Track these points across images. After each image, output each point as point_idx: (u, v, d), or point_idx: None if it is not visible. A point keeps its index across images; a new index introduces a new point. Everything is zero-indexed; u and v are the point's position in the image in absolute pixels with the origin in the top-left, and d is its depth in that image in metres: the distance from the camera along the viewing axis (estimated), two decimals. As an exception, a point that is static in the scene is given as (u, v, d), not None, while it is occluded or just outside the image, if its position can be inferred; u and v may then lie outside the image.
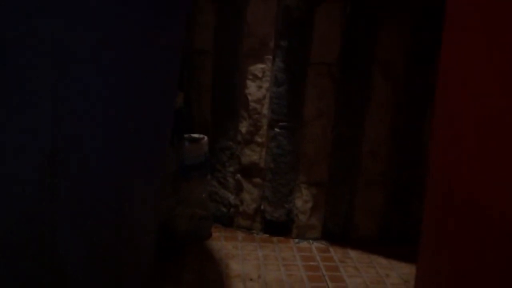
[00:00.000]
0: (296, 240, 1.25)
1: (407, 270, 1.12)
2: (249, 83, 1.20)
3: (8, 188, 0.48)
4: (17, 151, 0.48)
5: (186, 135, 1.19)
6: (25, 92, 0.48)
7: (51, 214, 0.50)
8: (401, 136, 1.21)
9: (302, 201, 1.24)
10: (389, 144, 1.21)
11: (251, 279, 1.04)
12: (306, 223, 1.25)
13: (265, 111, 1.20)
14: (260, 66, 1.18)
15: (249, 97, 1.20)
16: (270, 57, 1.17)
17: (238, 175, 1.26)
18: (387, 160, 1.22)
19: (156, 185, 0.72)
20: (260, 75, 1.19)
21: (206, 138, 1.20)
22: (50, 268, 0.51)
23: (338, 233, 1.26)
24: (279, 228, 1.26)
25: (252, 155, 1.24)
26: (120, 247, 0.59)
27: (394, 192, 1.25)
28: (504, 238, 0.52)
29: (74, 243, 0.52)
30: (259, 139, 1.22)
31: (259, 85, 1.19)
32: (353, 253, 1.20)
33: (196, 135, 1.21)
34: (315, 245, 1.23)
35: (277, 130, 1.21)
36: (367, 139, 1.21)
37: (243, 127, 1.23)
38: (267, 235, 1.26)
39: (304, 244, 1.23)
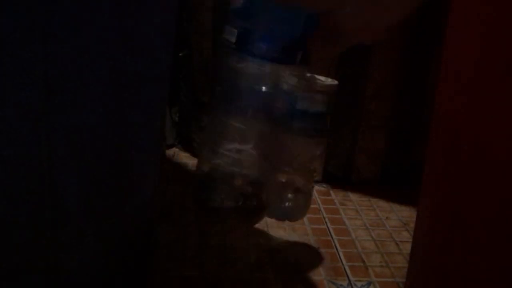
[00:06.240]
0: (297, 183, 1.26)
1: (407, 213, 1.14)
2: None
3: (3, 129, 0.47)
4: (11, 89, 0.47)
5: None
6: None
7: (48, 153, 0.50)
8: (405, 79, 1.19)
9: (304, 145, 1.24)
10: (393, 86, 1.19)
11: (252, 221, 1.05)
12: (308, 166, 1.25)
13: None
14: (263, 5, 1.14)
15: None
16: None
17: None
18: (391, 102, 1.21)
19: (157, 129, 0.71)
20: (262, 15, 1.15)
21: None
22: (50, 206, 0.51)
23: (339, 176, 1.27)
24: (281, 171, 1.27)
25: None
26: (120, 185, 0.60)
27: (396, 135, 1.24)
28: (505, 179, 0.52)
29: (73, 182, 0.53)
30: (261, 82, 1.20)
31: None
32: (353, 196, 1.21)
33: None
34: (316, 188, 1.24)
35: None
36: (371, 81, 1.19)
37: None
38: (268, 178, 1.27)
39: (305, 187, 1.24)
